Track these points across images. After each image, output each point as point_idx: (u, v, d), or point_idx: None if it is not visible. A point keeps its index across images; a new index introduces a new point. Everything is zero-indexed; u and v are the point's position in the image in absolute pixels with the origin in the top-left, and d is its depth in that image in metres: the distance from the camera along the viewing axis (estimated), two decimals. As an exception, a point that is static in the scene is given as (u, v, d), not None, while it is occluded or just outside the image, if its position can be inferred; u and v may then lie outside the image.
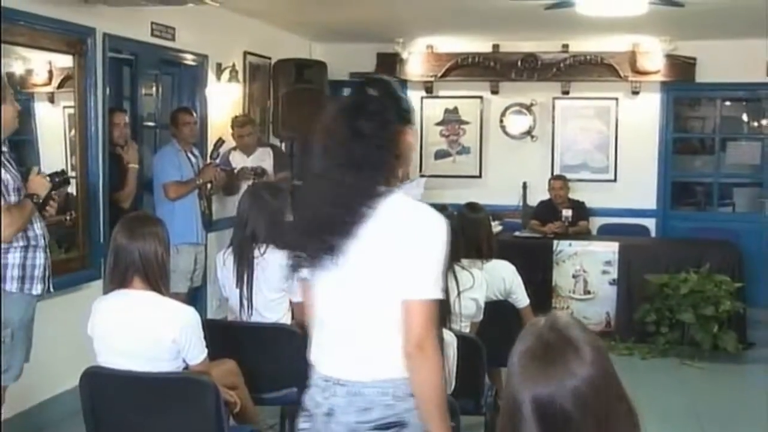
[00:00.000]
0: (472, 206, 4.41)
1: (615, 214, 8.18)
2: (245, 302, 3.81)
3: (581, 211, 7.68)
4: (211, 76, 6.67)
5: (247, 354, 3.57)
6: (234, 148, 6.61)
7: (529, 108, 8.47)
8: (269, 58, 7.63)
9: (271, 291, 3.82)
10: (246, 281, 3.79)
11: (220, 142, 6.22)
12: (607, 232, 7.87)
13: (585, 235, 7.45)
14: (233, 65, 6.90)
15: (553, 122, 8.46)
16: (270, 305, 3.84)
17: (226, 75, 6.81)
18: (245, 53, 7.22)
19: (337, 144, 2.13)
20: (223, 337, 3.50)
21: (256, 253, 3.79)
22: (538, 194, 8.04)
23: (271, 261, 3.79)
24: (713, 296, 6.26)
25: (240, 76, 7.05)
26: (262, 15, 7.10)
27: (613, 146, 8.34)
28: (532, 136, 8.49)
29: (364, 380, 2.10)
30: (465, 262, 3.88)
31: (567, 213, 7.33)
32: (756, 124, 9.27)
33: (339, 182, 2.10)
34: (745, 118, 9.90)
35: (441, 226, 2.14)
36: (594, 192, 8.13)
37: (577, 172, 8.35)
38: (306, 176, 2.21)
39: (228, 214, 6.01)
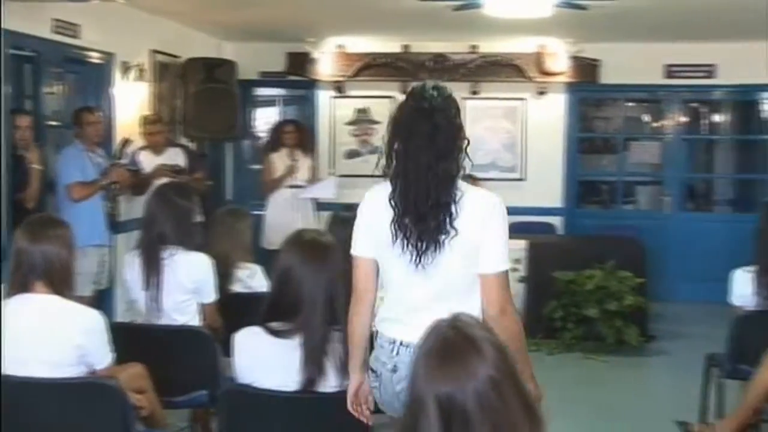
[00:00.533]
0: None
1: (523, 213, 8.28)
2: (153, 304, 3.75)
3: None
4: (117, 74, 6.54)
5: (155, 357, 3.51)
6: (143, 148, 6.50)
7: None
8: (178, 57, 7.53)
9: (181, 293, 3.78)
10: (154, 283, 3.73)
11: (126, 141, 6.11)
12: (515, 231, 7.88)
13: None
14: (140, 64, 6.78)
15: (463, 122, 8.55)
16: (179, 307, 3.79)
17: (132, 74, 6.69)
18: (153, 52, 7.10)
19: (421, 139, 2.50)
20: (130, 340, 3.44)
21: (165, 254, 3.74)
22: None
23: (180, 262, 3.75)
24: (617, 292, 6.45)
25: (147, 75, 6.93)
26: (171, 13, 7.00)
27: (522, 146, 8.50)
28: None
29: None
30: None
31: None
32: (656, 124, 9.60)
33: (434, 170, 2.47)
34: (646, 118, 10.23)
35: (503, 206, 2.59)
36: (503, 191, 8.06)
37: (486, 171, 8.44)
38: (399, 168, 2.53)
39: (137, 215, 5.88)
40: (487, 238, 2.53)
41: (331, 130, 8.71)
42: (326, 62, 8.44)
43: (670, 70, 8.45)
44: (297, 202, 7.40)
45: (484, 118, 8.57)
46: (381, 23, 7.46)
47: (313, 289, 2.67)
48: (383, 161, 2.60)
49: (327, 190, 7.58)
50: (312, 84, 8.67)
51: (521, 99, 8.50)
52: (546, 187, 8.54)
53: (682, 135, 8.94)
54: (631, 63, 8.33)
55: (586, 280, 6.50)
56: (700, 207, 9.88)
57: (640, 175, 9.76)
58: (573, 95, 8.61)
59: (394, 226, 2.52)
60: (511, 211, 7.95)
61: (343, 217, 3.85)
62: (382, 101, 8.64)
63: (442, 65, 8.34)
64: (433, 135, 2.52)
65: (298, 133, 7.65)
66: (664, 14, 6.71)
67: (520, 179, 8.51)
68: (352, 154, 8.73)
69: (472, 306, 2.50)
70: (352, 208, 3.92)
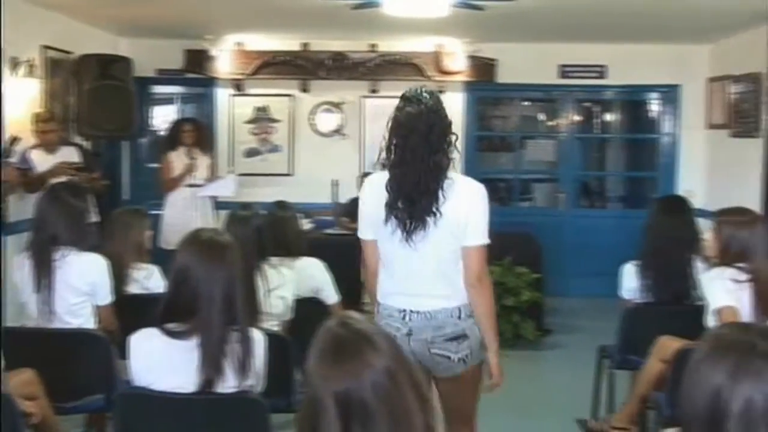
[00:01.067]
0: (280, 205, 4.43)
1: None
2: (45, 307, 3.65)
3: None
4: (5, 70, 6.32)
5: (48, 362, 3.42)
6: (34, 146, 6.30)
7: (338, 106, 8.59)
8: (71, 53, 7.32)
9: (74, 295, 3.69)
10: (45, 285, 3.63)
11: (14, 139, 5.91)
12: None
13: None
14: (31, 60, 6.57)
15: (362, 120, 8.60)
16: (72, 310, 3.71)
17: (22, 70, 6.46)
18: (44, 47, 6.88)
19: (419, 136, 2.98)
20: (21, 345, 3.34)
21: (57, 255, 3.65)
22: (349, 191, 8.14)
23: (73, 263, 3.66)
24: (514, 287, 6.59)
25: (39, 71, 6.72)
26: (64, 8, 6.80)
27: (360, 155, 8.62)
28: (342, 134, 8.62)
29: (433, 309, 3.01)
30: (274, 260, 3.89)
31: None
32: (551, 123, 9.83)
33: (426, 162, 2.95)
34: (541, 117, 10.48)
35: (485, 191, 3.08)
36: (403, 189, 8.32)
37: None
38: (397, 160, 2.99)
39: (29, 215, 5.71)
40: (471, 218, 3.01)
41: (230, 128, 8.63)
42: (225, 60, 8.35)
43: (564, 70, 8.64)
44: (195, 201, 7.32)
45: (383, 116, 8.47)
46: (280, 21, 7.42)
47: (210, 289, 2.64)
48: (383, 154, 3.04)
49: (226, 188, 7.53)
50: (210, 82, 8.57)
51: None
52: (445, 185, 8.66)
53: (575, 134, 9.18)
54: (526, 63, 8.52)
55: (484, 276, 6.61)
56: (593, 204, 10.18)
57: (536, 173, 10.00)
58: (471, 94, 8.74)
59: (388, 208, 2.98)
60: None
61: (241, 215, 3.83)
62: (282, 99, 8.63)
63: (342, 64, 8.36)
64: (427, 132, 3.00)
65: (197, 132, 7.56)
66: (558, 15, 6.88)
67: (419, 177, 8.61)
68: (251, 153, 8.66)
69: (459, 274, 3.04)
70: (250, 206, 3.93)
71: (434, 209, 2.95)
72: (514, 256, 6.83)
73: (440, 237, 2.98)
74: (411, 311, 3.04)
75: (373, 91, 8.55)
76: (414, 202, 2.96)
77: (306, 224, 6.78)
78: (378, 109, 8.58)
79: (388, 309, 3.09)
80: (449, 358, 3.05)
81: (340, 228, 7.62)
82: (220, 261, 2.70)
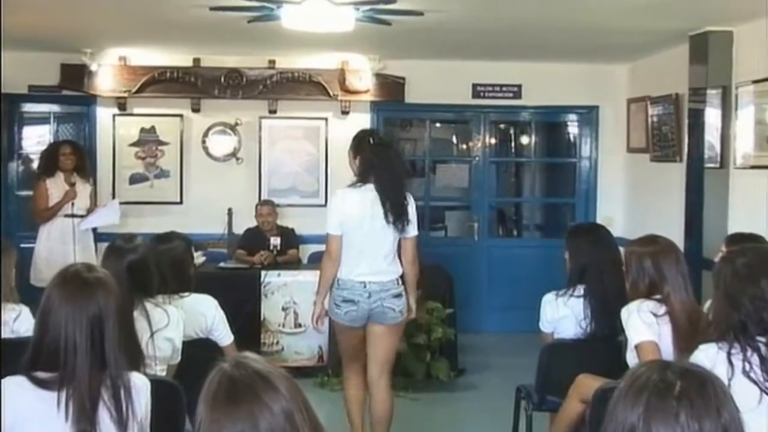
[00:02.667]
0: (166, 236, 4.35)
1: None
2: None
3: (290, 238, 7.84)
4: None
5: None
6: None
7: (233, 128, 8.53)
8: (-71, 67, 7.09)
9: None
10: None
11: None
12: (318, 261, 8.05)
13: (295, 264, 7.60)
14: None
15: (260, 143, 8.57)
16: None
17: None
18: None
19: (394, 164, 4.94)
20: None
21: None
22: (245, 221, 8.10)
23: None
24: (426, 324, 6.62)
25: None
26: None
27: (324, 169, 8.59)
28: (238, 158, 8.56)
29: (385, 280, 4.82)
30: (159, 298, 3.82)
31: (275, 241, 7.45)
32: (464, 146, 9.97)
33: (400, 181, 4.90)
34: (454, 140, 10.62)
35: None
36: (304, 217, 8.31)
37: (286, 196, 8.51)
38: (375, 179, 4.81)
39: None
40: (410, 219, 4.88)
41: (112, 151, 8.47)
42: (106, 76, 8.22)
43: (478, 90, 8.76)
44: (74, 233, 7.17)
45: (284, 138, 8.61)
46: (168, 34, 7.33)
47: (74, 333, 2.57)
48: (358, 176, 4.90)
49: (110, 216, 7.42)
50: (90, 100, 8.41)
51: (323, 118, 8.60)
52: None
53: (490, 158, 9.27)
54: (437, 82, 8.62)
55: (394, 312, 6.63)
56: (509, 233, 10.35)
57: (448, 200, 10.11)
58: (378, 115, 8.81)
59: (384, 213, 4.79)
60: (312, 239, 7.89)
61: (122, 247, 3.75)
62: (171, 120, 8.52)
63: (237, 81, 8.32)
64: (396, 162, 5.04)
65: (77, 156, 7.42)
66: (470, 32, 6.97)
67: (322, 205, 8.54)
68: (137, 179, 8.51)
69: (397, 256, 4.92)
70: (133, 237, 3.85)
71: (404, 215, 4.85)
72: (425, 290, 6.84)
73: (394, 232, 4.82)
74: (370, 282, 4.80)
75: (272, 112, 8.54)
76: (396, 209, 4.82)
77: (197, 257, 6.69)
78: (277, 131, 8.61)
79: (350, 282, 4.82)
80: (394, 309, 4.86)
81: (235, 261, 7.55)
82: (86, 300, 2.62)
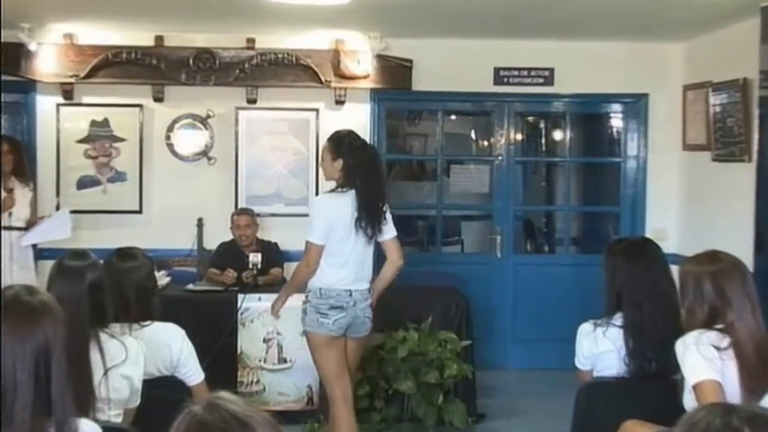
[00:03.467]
0: (123, 253, 4.36)
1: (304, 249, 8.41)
2: None
3: (274, 255, 7.84)
4: None
5: None
6: None
7: (204, 121, 8.55)
8: None
9: None
10: None
11: None
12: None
13: (279, 285, 7.59)
14: None
15: (237, 140, 8.59)
16: None
17: None
18: None
19: (378, 170, 5.74)
20: None
21: None
22: (218, 234, 8.11)
23: None
24: (437, 359, 6.62)
25: None
26: None
27: (314, 171, 8.57)
28: (209, 158, 8.58)
29: (364, 288, 5.60)
30: (115, 328, 3.82)
31: (255, 258, 7.43)
32: (484, 143, 9.96)
33: (383, 188, 5.69)
34: (472, 135, 10.63)
35: None
36: (290, 230, 8.27)
37: (268, 204, 8.52)
38: (365, 185, 5.51)
39: None
40: (388, 221, 5.66)
41: (56, 149, 8.48)
42: (49, 57, 8.22)
43: (501, 76, 8.77)
44: (11, 251, 7.16)
45: (265, 134, 8.62)
46: (125, 7, 7.33)
47: (15, 368, 2.57)
48: (341, 181, 5.53)
49: (59, 229, 7.39)
50: (29, 86, 8.42)
51: (313, 110, 8.62)
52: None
53: (516, 157, 9.28)
54: (452, 65, 8.63)
55: (398, 344, 6.63)
56: (538, 248, 10.35)
57: (464, 209, 10.12)
58: (379, 105, 8.82)
59: (357, 218, 5.49)
60: (300, 256, 7.93)
61: (70, 267, 3.75)
62: (128, 111, 8.53)
63: (209, 64, 8.33)
64: (380, 168, 5.89)
65: (14, 154, 7.40)
66: (492, 5, 6.96)
67: (312, 214, 8.61)
68: (86, 183, 8.51)
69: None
70: (84, 254, 3.85)
71: (383, 219, 5.61)
72: (437, 318, 6.88)
73: (374, 238, 5.60)
74: (354, 290, 5.55)
75: (251, 101, 8.56)
76: (376, 213, 5.56)
77: (161, 277, 6.69)
78: (258, 124, 8.62)
79: (335, 290, 5.52)
80: (369, 318, 5.67)
81: (206, 282, 7.55)
82: (30, 330, 2.62)
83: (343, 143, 5.62)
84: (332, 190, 5.63)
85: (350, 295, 5.54)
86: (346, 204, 5.50)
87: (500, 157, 9.15)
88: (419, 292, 7.59)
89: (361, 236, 5.56)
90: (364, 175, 5.55)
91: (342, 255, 5.54)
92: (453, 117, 10.19)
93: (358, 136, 5.78)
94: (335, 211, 5.52)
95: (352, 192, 5.52)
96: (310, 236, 5.56)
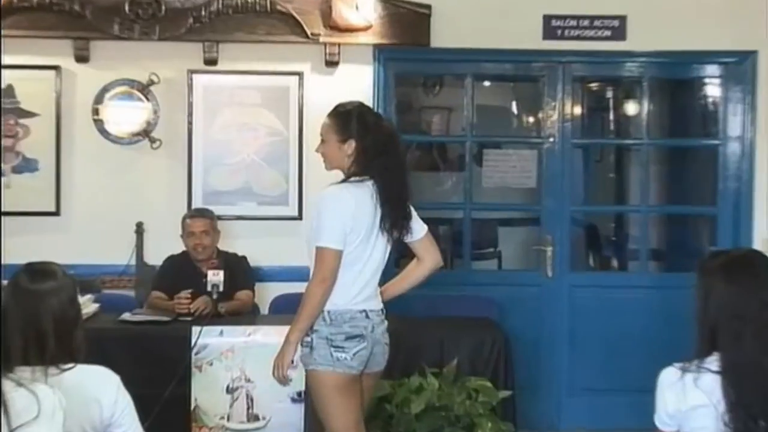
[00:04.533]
0: (35, 271, 4.35)
1: (300, 277, 8.28)
2: None
3: (241, 272, 7.86)
4: None
5: None
6: None
7: (145, 89, 8.56)
8: None
9: None
10: None
11: None
12: (286, 310, 8.03)
13: (248, 315, 7.61)
14: None
15: (191, 114, 8.63)
16: None
17: None
18: None
19: (400, 152, 5.83)
20: None
21: None
22: (165, 244, 8.13)
23: None
24: (465, 416, 6.64)
25: None
26: None
27: (296, 156, 8.61)
28: (153, 140, 8.58)
29: (380, 307, 5.65)
30: (24, 372, 3.84)
31: (216, 277, 7.42)
32: (530, 120, 9.95)
33: (406, 175, 5.74)
34: (514, 109, 10.63)
35: None
36: (264, 238, 8.35)
37: (233, 203, 8.52)
38: (385, 173, 5.56)
39: None
40: (415, 216, 5.77)
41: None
42: (-70, 2, 8.26)
43: (553, 26, 8.80)
44: None
45: (229, 107, 8.62)
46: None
47: None
48: (354, 168, 5.55)
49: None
50: None
51: (295, 74, 8.65)
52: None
53: (573, 139, 9.28)
54: (485, 12, 8.66)
55: (412, 395, 6.65)
56: (604, 263, 10.35)
57: (503, 209, 10.11)
58: (385, 68, 8.85)
59: (381, 216, 5.51)
60: (279, 274, 7.88)
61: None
62: (40, 75, 8.52)
63: (152, 11, 8.33)
64: (402, 150, 5.95)
65: None
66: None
67: (293, 217, 8.57)
68: (-17, 173, 8.55)
69: None
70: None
71: (409, 214, 5.72)
72: (465, 360, 6.90)
73: (388, 240, 5.64)
74: (371, 310, 5.58)
75: (210, 62, 8.58)
76: (401, 208, 5.62)
77: (87, 304, 6.71)
78: (220, 94, 8.62)
79: (350, 312, 5.51)
80: (387, 344, 5.71)
81: (150, 311, 7.55)
82: None
83: (352, 119, 5.61)
84: (345, 181, 5.60)
85: (366, 317, 5.56)
86: (366, 198, 5.52)
87: (552, 139, 9.15)
88: (441, 324, 7.63)
89: (382, 240, 5.60)
90: (385, 160, 5.57)
91: (357, 264, 5.56)
92: (487, 84, 10.20)
93: (370, 109, 5.91)
94: (356, 206, 5.50)
95: (370, 183, 5.54)
96: (324, 240, 5.47)
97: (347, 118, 5.60)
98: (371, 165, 5.52)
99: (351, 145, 5.54)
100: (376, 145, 5.54)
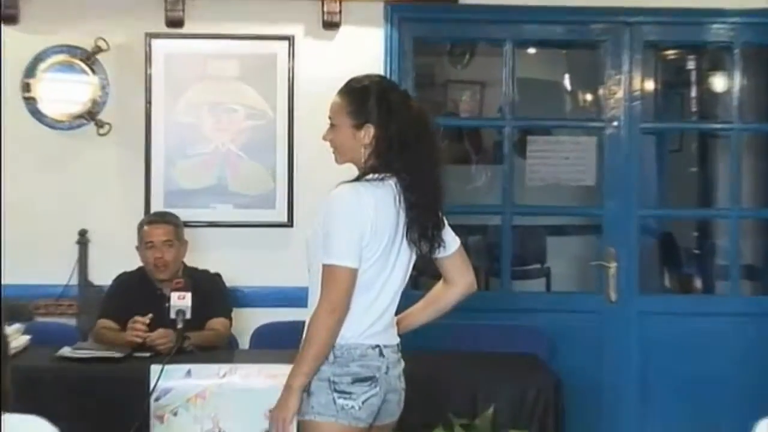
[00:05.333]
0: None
1: (290, 301, 8.34)
2: None
3: (214, 295, 7.87)
4: None
5: None
6: None
7: (91, 59, 8.60)
8: None
9: None
10: None
11: None
12: (272, 343, 8.06)
13: (223, 350, 7.63)
14: None
15: (149, 92, 8.69)
16: None
17: None
18: None
19: (434, 141, 5.60)
20: None
21: None
22: (115, 258, 8.16)
23: None
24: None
25: None
26: None
27: (285, 146, 8.63)
28: (100, 124, 8.62)
29: (396, 342, 5.50)
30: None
31: (182, 301, 7.43)
32: (587, 97, 9.98)
33: (438, 171, 5.60)
34: (566, 84, 10.67)
35: None
36: (245, 251, 8.38)
37: (204, 205, 8.57)
38: (414, 168, 5.39)
39: None
40: (447, 225, 5.66)
41: None
42: None
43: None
44: None
45: (201, 80, 8.67)
46: None
47: None
48: (372, 162, 5.35)
49: None
50: None
51: (284, 38, 8.73)
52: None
53: (643, 123, 9.33)
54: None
55: (435, 452, 6.69)
56: (684, 283, 10.36)
57: (552, 213, 10.15)
58: (399, 30, 8.89)
59: (407, 226, 5.37)
60: (262, 297, 8.06)
61: None
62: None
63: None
64: (436, 138, 5.70)
65: None
66: None
67: (283, 224, 8.62)
68: None
69: None
70: None
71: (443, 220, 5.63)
72: (504, 408, 6.91)
73: (412, 254, 5.52)
74: (385, 346, 5.42)
75: (174, 23, 8.62)
76: (432, 211, 5.52)
77: (15, 335, 6.75)
78: (185, 64, 8.65)
79: (361, 347, 5.34)
80: (404, 389, 5.58)
81: (96, 345, 7.58)
82: None
83: (370, 97, 5.42)
84: (360, 179, 5.37)
85: (380, 354, 5.38)
86: (388, 201, 5.34)
87: (616, 123, 9.18)
88: (473, 362, 7.66)
89: (405, 255, 5.47)
90: (414, 151, 5.39)
91: (373, 287, 5.40)
92: (531, 51, 10.22)
93: (395, 85, 5.80)
94: (375, 212, 5.30)
95: (393, 182, 5.35)
96: (335, 256, 5.25)
97: (364, 97, 5.38)
98: (395, 158, 5.32)
99: (369, 132, 5.33)
100: (401, 131, 5.34)
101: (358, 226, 5.22)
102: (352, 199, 5.24)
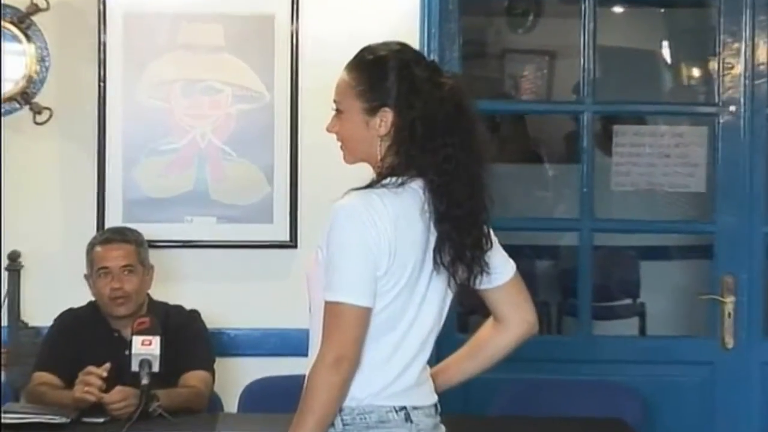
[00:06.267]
0: None
1: (292, 348, 8.35)
2: None
3: (191, 341, 7.92)
4: None
5: None
6: None
7: (26, 21, 8.66)
8: None
9: None
10: None
11: None
12: (268, 405, 8.11)
13: (203, 415, 7.68)
14: None
15: (102, 67, 8.76)
16: None
17: None
18: None
19: (475, 132, 5.29)
20: None
21: None
22: (58, 290, 8.20)
23: None
24: None
25: None
26: None
27: (287, 137, 8.67)
28: (38, 109, 8.67)
29: (431, 402, 5.31)
30: None
31: (146, 348, 7.50)
32: (695, 72, 10.02)
33: (481, 173, 5.33)
34: (667, 57, 10.73)
35: None
36: (232, 281, 8.43)
37: (177, 218, 8.61)
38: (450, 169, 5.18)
39: None
40: (495, 242, 5.48)
41: None
42: None
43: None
44: None
45: (173, 49, 8.71)
46: None
47: None
48: (391, 160, 5.15)
49: None
50: None
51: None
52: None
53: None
54: None
55: None
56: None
57: (647, 230, 10.20)
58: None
59: (436, 246, 5.17)
60: (255, 343, 8.26)
61: None
62: None
63: None
64: (477, 127, 5.36)
65: None
66: None
67: (286, 244, 8.67)
68: None
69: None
70: None
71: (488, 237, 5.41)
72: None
73: (448, 285, 5.30)
74: (414, 408, 5.22)
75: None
76: (470, 226, 5.29)
77: None
78: (152, 27, 8.71)
79: (380, 410, 5.15)
80: None
81: (31, 406, 7.63)
82: None
83: (389, 72, 5.21)
84: (375, 184, 5.14)
85: (407, 419, 5.16)
86: (412, 214, 5.13)
87: (733, 108, 9.21)
88: (538, 430, 7.69)
89: (438, 285, 5.24)
90: (447, 145, 5.15)
91: (396, 329, 5.20)
92: (618, 9, 10.28)
93: (420, 56, 5.48)
94: (395, 230, 5.08)
95: (419, 186, 5.13)
96: (339, 290, 5.04)
97: (380, 72, 5.16)
98: (422, 154, 5.07)
99: (386, 119, 5.08)
100: (430, 118, 5.08)
101: (372, 250, 5.01)
102: (363, 212, 5.01)
